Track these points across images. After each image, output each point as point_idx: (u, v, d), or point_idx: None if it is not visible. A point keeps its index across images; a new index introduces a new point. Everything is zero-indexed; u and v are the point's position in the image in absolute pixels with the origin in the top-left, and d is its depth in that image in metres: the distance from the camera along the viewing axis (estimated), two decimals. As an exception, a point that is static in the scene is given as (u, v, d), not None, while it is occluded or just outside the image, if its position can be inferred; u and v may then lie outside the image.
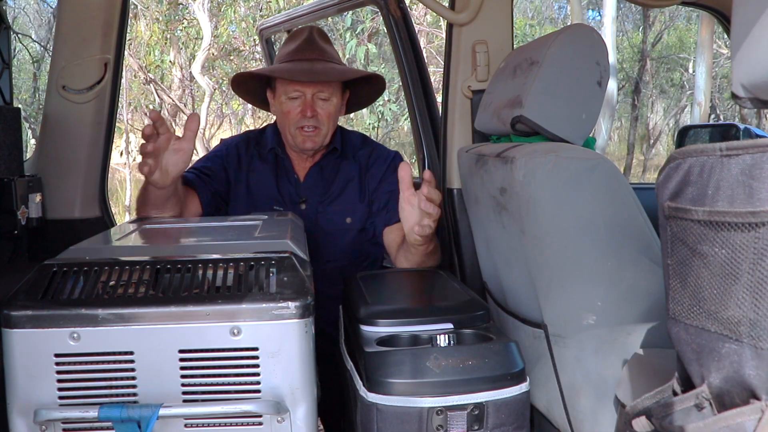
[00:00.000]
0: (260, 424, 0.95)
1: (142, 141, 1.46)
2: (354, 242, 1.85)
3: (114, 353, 0.92)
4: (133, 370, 0.92)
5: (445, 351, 1.07)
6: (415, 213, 1.46)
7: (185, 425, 0.95)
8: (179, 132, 1.49)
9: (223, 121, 10.37)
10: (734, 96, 0.73)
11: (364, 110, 8.83)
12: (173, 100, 8.60)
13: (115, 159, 8.01)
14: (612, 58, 7.81)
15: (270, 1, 7.71)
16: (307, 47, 1.80)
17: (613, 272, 1.19)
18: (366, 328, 1.16)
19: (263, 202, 1.81)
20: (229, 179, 1.83)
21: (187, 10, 8.14)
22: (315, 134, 1.76)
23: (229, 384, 0.94)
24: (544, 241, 1.23)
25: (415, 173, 2.23)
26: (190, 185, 1.73)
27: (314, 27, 1.89)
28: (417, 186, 1.99)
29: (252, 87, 1.90)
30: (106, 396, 0.93)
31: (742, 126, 2.30)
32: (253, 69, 1.97)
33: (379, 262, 1.91)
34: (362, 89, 1.90)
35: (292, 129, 1.77)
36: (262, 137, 1.91)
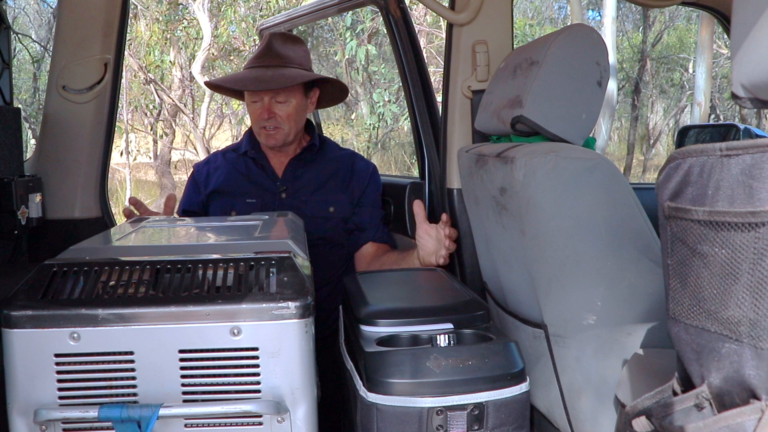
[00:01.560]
0: (260, 424, 0.95)
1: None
2: (335, 230, 1.95)
3: (114, 353, 0.92)
4: (133, 370, 0.93)
5: (445, 351, 1.07)
6: (432, 242, 1.67)
7: (185, 425, 0.95)
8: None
9: (223, 121, 10.37)
10: (734, 96, 0.73)
11: (364, 110, 8.84)
12: (173, 100, 8.60)
13: (115, 159, 8.01)
14: (612, 58, 7.81)
15: (270, 1, 7.70)
16: (265, 54, 1.93)
17: (613, 272, 1.19)
18: (366, 328, 1.16)
19: (237, 199, 1.93)
20: (204, 194, 2.00)
21: (187, 10, 8.14)
22: (276, 133, 1.89)
23: (229, 384, 0.94)
24: (544, 241, 1.23)
25: (415, 173, 2.23)
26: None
27: (275, 33, 2.00)
28: (417, 186, 2.02)
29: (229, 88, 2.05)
30: (106, 396, 0.93)
31: (742, 126, 2.29)
32: (216, 79, 2.10)
33: (352, 252, 2.00)
34: (330, 87, 2.02)
35: (257, 128, 1.93)
36: (239, 144, 2.06)
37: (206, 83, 2.10)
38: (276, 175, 1.97)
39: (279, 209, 1.80)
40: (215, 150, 2.27)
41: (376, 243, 1.96)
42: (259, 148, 1.99)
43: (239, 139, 2.12)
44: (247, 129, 2.08)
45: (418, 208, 1.69)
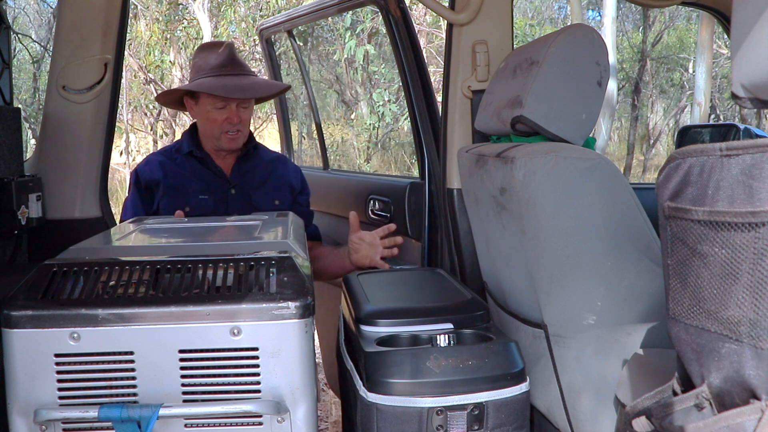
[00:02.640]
0: (260, 424, 0.95)
1: None
2: None
3: (114, 353, 0.92)
4: (133, 370, 0.93)
5: (445, 351, 1.07)
6: (365, 247, 1.89)
7: (185, 425, 0.95)
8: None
9: (223, 121, 10.34)
10: (734, 96, 0.73)
11: (365, 110, 8.84)
12: (173, 100, 8.58)
13: (115, 159, 8.01)
14: (612, 58, 7.80)
15: (270, 1, 7.70)
16: (230, 63, 2.00)
17: (613, 272, 1.19)
18: (366, 328, 1.16)
19: (190, 195, 1.98)
20: (151, 195, 2.02)
21: (187, 10, 8.13)
22: (239, 136, 1.99)
23: (229, 384, 0.94)
24: (544, 241, 1.23)
25: (415, 173, 2.23)
26: None
27: (230, 42, 2.10)
28: (417, 186, 2.02)
29: (173, 95, 2.08)
30: (106, 396, 0.93)
31: (742, 126, 2.29)
32: (180, 86, 2.15)
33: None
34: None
35: (217, 133, 1.98)
36: (179, 146, 2.08)
37: (160, 95, 2.14)
38: (224, 173, 2.04)
39: (231, 203, 1.95)
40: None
41: (311, 240, 2.04)
42: (202, 148, 2.04)
43: (176, 141, 2.18)
44: (185, 131, 2.11)
45: (354, 220, 1.91)
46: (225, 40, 2.17)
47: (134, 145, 9.25)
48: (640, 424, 0.79)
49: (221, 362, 0.93)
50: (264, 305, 0.93)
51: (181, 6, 8.10)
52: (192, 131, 2.08)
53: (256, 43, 7.39)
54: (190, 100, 2.01)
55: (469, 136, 1.75)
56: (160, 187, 1.99)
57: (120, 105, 3.18)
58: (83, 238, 1.22)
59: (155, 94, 8.53)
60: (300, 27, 2.59)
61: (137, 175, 2.05)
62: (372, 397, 1.04)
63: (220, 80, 1.97)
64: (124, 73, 3.77)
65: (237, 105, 1.96)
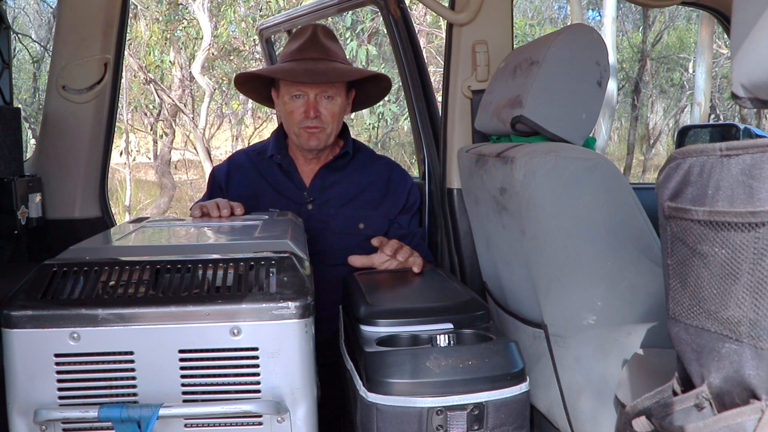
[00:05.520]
0: (260, 424, 0.95)
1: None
2: (365, 249, 1.76)
3: (114, 353, 0.92)
4: (133, 370, 0.93)
5: (445, 351, 1.07)
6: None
7: (185, 425, 0.95)
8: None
9: (223, 121, 10.36)
10: (734, 96, 0.73)
11: (365, 110, 8.85)
12: (173, 100, 8.60)
13: (115, 159, 8.01)
14: (612, 58, 7.79)
15: (270, 1, 7.70)
16: (310, 46, 1.77)
17: (613, 272, 1.19)
18: (366, 328, 1.16)
19: (259, 207, 1.76)
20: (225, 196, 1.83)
21: (187, 10, 8.13)
22: (319, 132, 1.74)
23: (229, 384, 0.94)
24: (544, 241, 1.23)
25: (415, 173, 2.24)
26: None
27: (319, 25, 1.85)
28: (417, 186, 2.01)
29: (255, 86, 1.88)
30: (106, 396, 0.93)
31: (742, 126, 2.29)
32: (255, 69, 1.91)
33: None
34: (369, 88, 1.88)
35: (295, 128, 1.75)
36: (264, 146, 1.90)
37: (236, 77, 1.88)
38: (303, 184, 1.82)
39: (305, 222, 1.63)
40: (239, 148, 2.04)
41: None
42: (287, 152, 1.85)
43: (266, 139, 1.97)
44: (275, 129, 1.94)
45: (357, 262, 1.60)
46: (322, 25, 1.89)
47: (134, 145, 9.24)
48: (640, 424, 0.79)
49: (221, 362, 0.93)
50: (264, 305, 0.93)
51: (181, 6, 8.10)
52: (280, 131, 1.87)
53: (256, 43, 7.39)
54: (275, 92, 1.80)
55: (469, 136, 1.75)
56: (230, 192, 1.82)
57: (120, 105, 3.18)
58: (83, 238, 1.22)
59: (155, 94, 8.54)
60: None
61: (214, 175, 1.89)
62: (372, 397, 1.04)
63: (294, 65, 1.73)
64: (124, 73, 3.77)
65: (316, 95, 1.71)
